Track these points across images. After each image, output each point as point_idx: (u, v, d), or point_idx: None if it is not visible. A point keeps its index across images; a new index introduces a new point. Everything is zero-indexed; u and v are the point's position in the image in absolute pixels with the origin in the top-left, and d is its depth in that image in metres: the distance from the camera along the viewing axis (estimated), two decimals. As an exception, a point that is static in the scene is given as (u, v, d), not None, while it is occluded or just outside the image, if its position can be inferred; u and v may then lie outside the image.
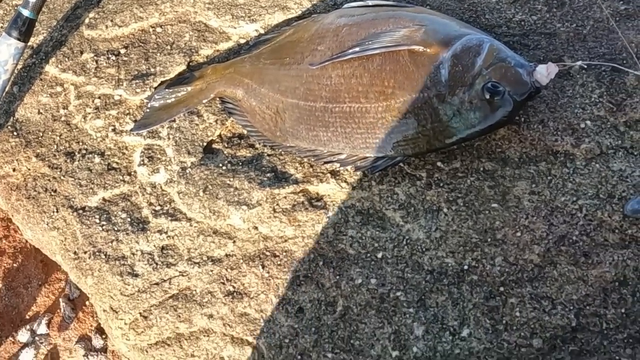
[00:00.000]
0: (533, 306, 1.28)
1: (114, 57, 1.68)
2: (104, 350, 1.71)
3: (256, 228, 1.41)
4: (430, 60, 1.34)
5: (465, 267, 1.32)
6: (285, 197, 1.41)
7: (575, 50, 1.45)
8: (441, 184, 1.37)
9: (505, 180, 1.36)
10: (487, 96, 1.29)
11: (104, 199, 1.53)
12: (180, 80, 1.58)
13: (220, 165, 1.48)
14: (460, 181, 1.37)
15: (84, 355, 1.67)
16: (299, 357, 1.35)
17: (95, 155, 1.57)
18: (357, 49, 1.37)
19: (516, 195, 1.34)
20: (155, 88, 1.59)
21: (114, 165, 1.55)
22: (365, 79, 1.36)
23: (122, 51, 1.68)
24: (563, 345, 1.25)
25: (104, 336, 1.70)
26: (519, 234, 1.32)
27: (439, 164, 1.39)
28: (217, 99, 1.55)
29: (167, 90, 1.55)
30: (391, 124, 1.34)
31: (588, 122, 1.37)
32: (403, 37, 1.36)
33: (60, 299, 1.76)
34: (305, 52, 1.44)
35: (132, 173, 1.53)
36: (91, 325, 1.76)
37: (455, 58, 1.32)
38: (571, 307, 1.27)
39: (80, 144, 1.60)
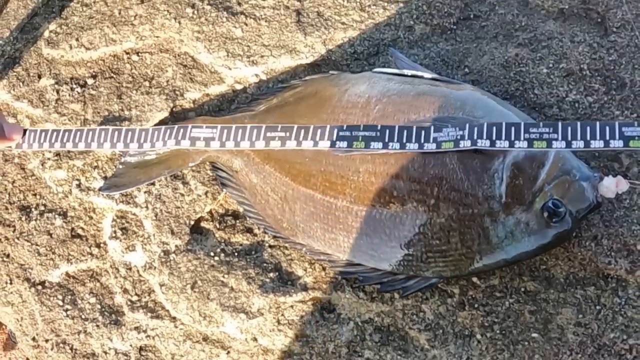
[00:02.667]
0: None
1: (79, 89, 1.16)
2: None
3: (255, 339, 1.01)
4: (484, 167, 0.93)
5: (500, 411, 0.95)
6: (292, 307, 1.00)
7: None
8: (476, 305, 0.98)
9: (548, 305, 0.98)
10: (546, 215, 0.93)
11: (67, 274, 1.08)
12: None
13: (212, 254, 1.03)
14: (498, 302, 0.98)
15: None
16: None
17: (56, 216, 1.09)
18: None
19: (560, 325, 0.98)
20: (130, 138, 1.09)
21: (79, 231, 1.08)
22: (402, 182, 0.94)
23: (90, 81, 1.17)
24: None
25: None
26: (561, 373, 0.96)
27: (474, 279, 1.00)
28: (207, 162, 1.06)
29: (146, 145, 1.05)
30: (430, 241, 0.94)
31: (646, 243, 0.99)
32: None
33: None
34: (325, 129, 0.97)
35: (102, 245, 1.08)
36: None
37: (516, 168, 0.93)
38: None
39: (38, 197, 1.12)
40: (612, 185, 0.93)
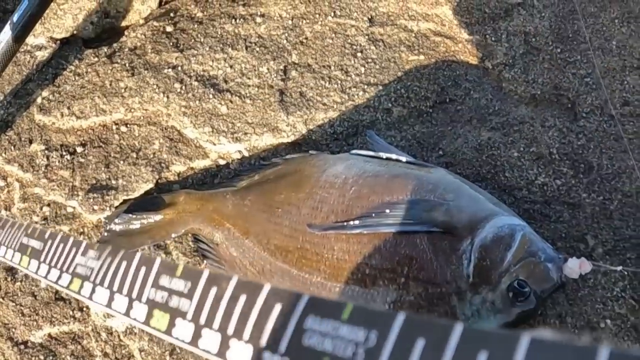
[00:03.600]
0: None
1: (68, 156, 1.22)
2: None
3: (229, 410, 1.02)
4: (453, 248, 0.99)
5: None
6: (265, 378, 1.03)
7: (599, 228, 1.11)
8: (444, 381, 1.01)
9: (514, 381, 1.01)
10: (511, 295, 0.97)
11: (49, 336, 1.12)
12: (147, 203, 1.14)
13: (190, 323, 1.07)
14: (466, 378, 1.01)
15: None
16: None
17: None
18: (366, 228, 0.98)
19: (525, 402, 1.00)
20: (116, 207, 1.16)
21: (63, 294, 1.12)
22: (374, 261, 1.01)
23: (79, 149, 1.23)
24: None
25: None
26: None
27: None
28: (190, 234, 1.12)
29: (130, 215, 1.11)
30: (400, 319, 0.97)
31: (608, 322, 1.07)
32: (422, 215, 0.98)
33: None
34: (302, 207, 1.05)
35: (84, 309, 1.12)
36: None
37: (484, 250, 0.99)
38: None
39: (23, 259, 1.15)
40: (575, 267, 1.00)
